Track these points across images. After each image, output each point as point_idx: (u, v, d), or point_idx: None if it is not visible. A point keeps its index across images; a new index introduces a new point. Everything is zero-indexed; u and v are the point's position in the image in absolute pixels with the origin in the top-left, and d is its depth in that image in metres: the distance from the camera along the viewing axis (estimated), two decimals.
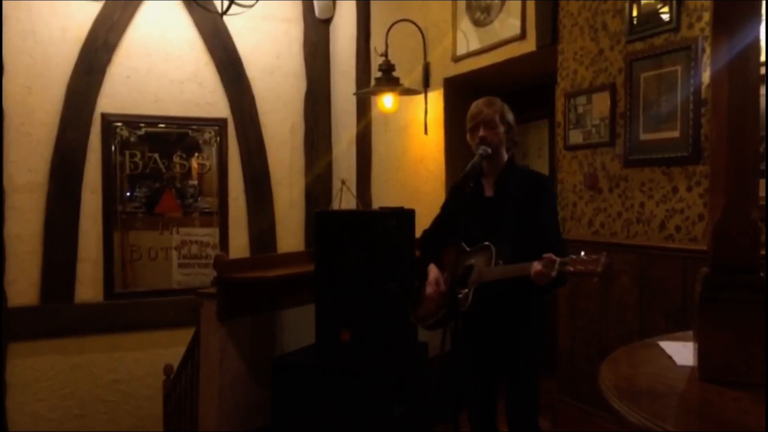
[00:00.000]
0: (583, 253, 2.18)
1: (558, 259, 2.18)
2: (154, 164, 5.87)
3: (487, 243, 2.46)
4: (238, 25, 5.85)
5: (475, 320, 2.52)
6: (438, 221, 2.85)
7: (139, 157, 5.81)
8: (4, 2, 5.16)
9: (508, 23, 4.22)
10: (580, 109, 3.67)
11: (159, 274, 5.86)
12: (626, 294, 3.28)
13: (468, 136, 2.61)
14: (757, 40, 1.54)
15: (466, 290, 2.46)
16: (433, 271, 2.64)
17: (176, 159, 5.96)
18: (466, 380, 2.68)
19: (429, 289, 2.61)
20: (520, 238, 2.45)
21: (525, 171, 2.70)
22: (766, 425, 1.25)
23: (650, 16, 3.25)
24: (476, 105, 2.60)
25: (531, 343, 2.56)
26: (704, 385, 1.50)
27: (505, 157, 2.60)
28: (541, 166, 5.19)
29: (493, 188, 2.59)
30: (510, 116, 2.60)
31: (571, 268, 2.17)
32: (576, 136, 3.71)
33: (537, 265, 2.22)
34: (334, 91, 6.40)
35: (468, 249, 2.53)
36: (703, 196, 2.98)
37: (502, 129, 2.55)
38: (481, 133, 2.51)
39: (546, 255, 2.21)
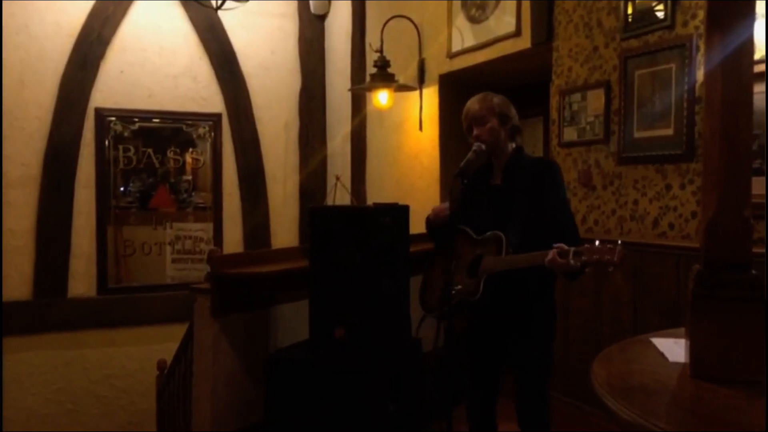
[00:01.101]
0: (597, 242, 2.15)
1: (572, 249, 2.16)
2: (148, 159, 5.85)
3: (496, 232, 2.45)
4: (232, 20, 5.82)
5: (483, 312, 2.51)
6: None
7: (133, 152, 5.79)
8: None
9: (503, 20, 4.22)
10: (575, 107, 3.68)
11: (152, 270, 5.84)
12: (619, 291, 3.29)
13: (468, 137, 2.62)
14: (751, 38, 1.54)
15: (473, 281, 2.46)
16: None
17: (170, 154, 5.94)
18: (468, 375, 2.67)
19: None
20: (531, 227, 2.42)
21: (533, 158, 2.69)
22: (767, 422, 1.25)
23: (645, 14, 3.25)
24: (467, 104, 2.60)
25: (542, 337, 2.53)
26: (696, 382, 1.51)
27: (511, 146, 2.59)
28: None
29: (500, 177, 2.59)
30: (504, 108, 2.56)
31: (586, 258, 2.13)
32: (570, 133, 3.72)
33: (550, 254, 2.20)
34: (329, 87, 6.38)
35: (476, 238, 2.52)
36: (696, 193, 2.99)
37: (495, 122, 2.53)
38: (475, 132, 2.52)
39: (557, 245, 2.19)
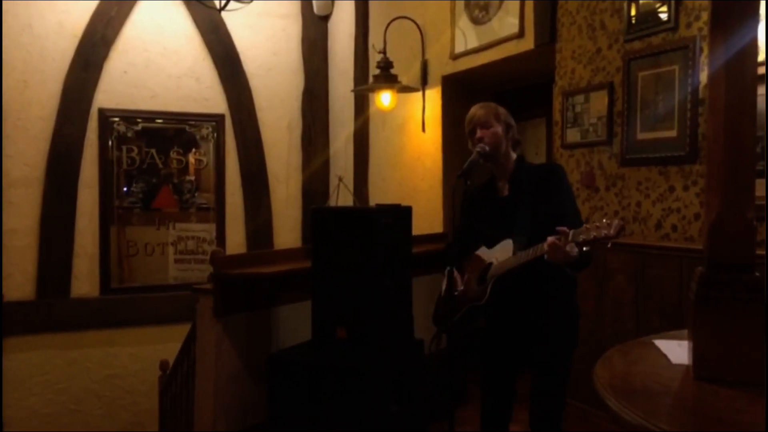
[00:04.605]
0: (595, 221, 2.14)
1: (571, 231, 2.14)
2: (151, 160, 5.86)
3: (506, 240, 2.48)
4: (236, 21, 5.84)
5: (495, 315, 2.54)
6: (459, 231, 2.82)
7: (136, 153, 5.81)
8: None
9: (506, 21, 4.22)
10: (578, 108, 3.67)
11: (155, 270, 5.86)
12: (622, 293, 3.29)
13: (469, 142, 2.63)
14: (755, 40, 1.54)
15: (481, 287, 2.48)
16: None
17: (173, 155, 5.95)
18: (482, 381, 2.67)
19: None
20: (539, 229, 2.39)
21: (537, 165, 2.71)
22: (766, 424, 1.25)
23: (648, 16, 3.25)
24: (471, 110, 2.64)
25: (561, 343, 2.50)
26: (699, 384, 1.51)
27: (513, 156, 2.61)
28: None
29: (508, 188, 2.61)
30: (508, 117, 2.61)
31: (584, 237, 2.11)
32: (573, 135, 3.72)
33: (549, 239, 2.19)
34: (332, 88, 6.39)
35: (489, 250, 2.55)
36: (699, 195, 2.99)
37: (499, 128, 2.56)
38: (478, 134, 2.55)
39: (559, 228, 2.17)
